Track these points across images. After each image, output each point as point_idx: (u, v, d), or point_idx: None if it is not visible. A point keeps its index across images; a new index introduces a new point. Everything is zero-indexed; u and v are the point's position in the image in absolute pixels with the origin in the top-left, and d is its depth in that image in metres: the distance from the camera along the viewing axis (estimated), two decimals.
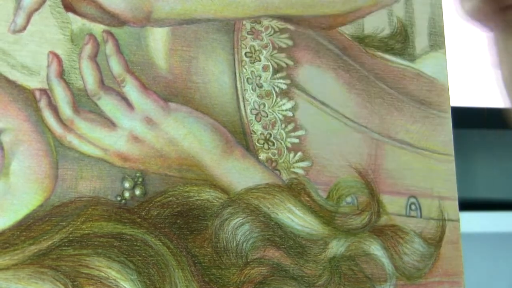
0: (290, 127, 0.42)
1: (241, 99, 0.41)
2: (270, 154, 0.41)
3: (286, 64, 0.43)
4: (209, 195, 0.39)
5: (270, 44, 0.42)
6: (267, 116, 0.41)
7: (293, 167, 0.41)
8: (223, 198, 0.39)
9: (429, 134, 0.46)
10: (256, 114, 0.41)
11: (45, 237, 0.35)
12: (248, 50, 0.42)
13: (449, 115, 0.47)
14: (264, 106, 0.41)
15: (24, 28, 0.36)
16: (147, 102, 0.38)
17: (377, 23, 0.46)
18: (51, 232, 0.35)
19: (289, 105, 0.42)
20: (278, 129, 0.42)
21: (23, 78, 0.36)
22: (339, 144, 0.43)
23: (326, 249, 0.41)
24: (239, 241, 0.39)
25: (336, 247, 0.41)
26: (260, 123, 0.41)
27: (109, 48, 0.38)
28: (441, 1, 0.48)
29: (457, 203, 0.47)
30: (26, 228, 0.35)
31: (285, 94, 0.42)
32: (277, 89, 0.42)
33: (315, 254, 0.41)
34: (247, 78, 0.41)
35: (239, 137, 0.40)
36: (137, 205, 0.37)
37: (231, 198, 0.39)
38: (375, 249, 0.42)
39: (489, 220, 0.98)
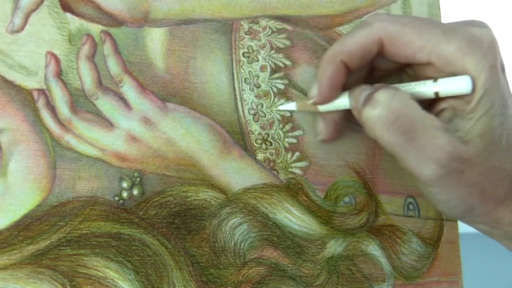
0: (287, 127, 0.42)
1: (238, 99, 0.41)
2: (267, 154, 0.41)
3: (284, 64, 0.43)
4: (206, 195, 0.39)
5: (268, 44, 0.42)
6: (265, 116, 0.41)
7: (291, 167, 0.41)
8: (221, 198, 0.39)
9: None
10: (254, 114, 0.41)
11: (43, 237, 0.35)
12: (245, 50, 0.42)
13: None
14: (262, 106, 0.41)
15: (22, 28, 0.36)
16: (145, 102, 0.38)
17: None
18: (49, 232, 0.35)
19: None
20: (276, 129, 0.42)
21: (21, 78, 0.36)
22: (336, 144, 0.43)
23: (324, 249, 0.41)
24: (237, 241, 0.39)
25: (334, 247, 0.42)
26: (257, 123, 0.41)
27: (107, 48, 0.38)
28: (439, 1, 0.48)
29: None
30: (24, 228, 0.35)
31: (283, 94, 0.42)
32: (275, 89, 0.42)
33: (313, 254, 0.41)
34: (245, 78, 0.41)
35: (236, 137, 0.40)
36: (135, 205, 0.37)
37: (229, 198, 0.39)
38: (373, 249, 0.42)
39: None
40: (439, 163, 0.35)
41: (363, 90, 0.38)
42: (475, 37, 0.36)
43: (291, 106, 0.42)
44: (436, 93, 0.37)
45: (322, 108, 0.40)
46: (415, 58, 0.37)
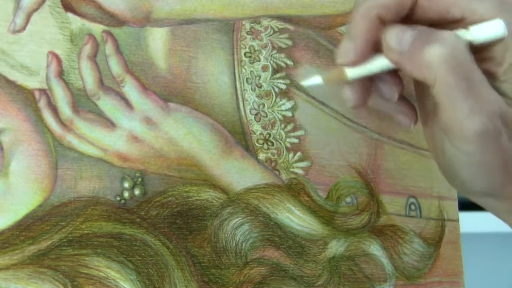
0: (289, 127, 0.42)
1: (240, 99, 0.41)
2: (269, 154, 0.41)
3: (286, 64, 0.43)
4: (208, 195, 0.39)
5: (270, 44, 0.42)
6: (267, 116, 0.41)
7: (293, 167, 0.41)
8: (222, 198, 0.39)
9: None
10: (256, 114, 0.41)
11: (44, 237, 0.35)
12: (247, 50, 0.42)
13: None
14: (264, 106, 0.41)
15: (24, 28, 0.36)
16: (146, 102, 0.38)
17: None
18: (51, 232, 0.35)
19: (288, 105, 0.42)
20: (278, 129, 0.42)
21: (23, 78, 0.36)
22: (338, 144, 0.43)
23: (325, 249, 0.41)
24: (238, 241, 0.39)
25: (336, 247, 0.41)
26: (259, 123, 0.41)
27: (109, 48, 0.38)
28: None
29: (456, 203, 0.47)
30: (26, 228, 0.35)
31: (284, 94, 0.42)
32: (276, 89, 0.42)
33: (315, 254, 0.41)
34: (247, 78, 0.41)
35: (238, 137, 0.40)
36: (136, 205, 0.37)
37: (230, 198, 0.39)
38: (375, 249, 0.42)
39: (489, 220, 0.98)
40: (490, 117, 0.33)
41: (407, 30, 0.34)
42: (506, 1, 0.35)
43: (316, 80, 0.37)
44: (470, 42, 0.34)
45: (352, 73, 0.36)
46: (448, 12, 0.35)
